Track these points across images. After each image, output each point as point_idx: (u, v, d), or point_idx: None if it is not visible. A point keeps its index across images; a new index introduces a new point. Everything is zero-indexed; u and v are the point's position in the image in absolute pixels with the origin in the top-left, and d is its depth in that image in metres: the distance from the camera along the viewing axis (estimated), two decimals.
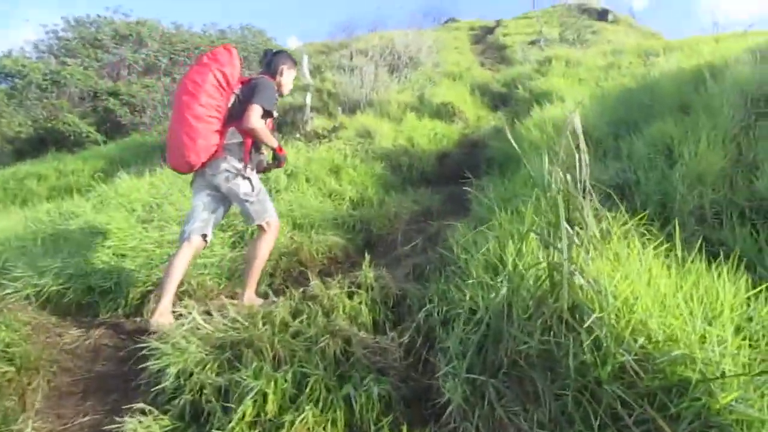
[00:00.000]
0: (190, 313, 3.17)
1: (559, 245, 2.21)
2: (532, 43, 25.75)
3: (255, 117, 3.54)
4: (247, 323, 2.97)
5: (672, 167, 4.87)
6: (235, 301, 3.62)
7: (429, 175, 8.33)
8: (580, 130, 2.78)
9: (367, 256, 3.79)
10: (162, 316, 3.42)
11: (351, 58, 13.43)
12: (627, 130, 6.36)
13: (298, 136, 8.41)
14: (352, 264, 4.69)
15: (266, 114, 3.65)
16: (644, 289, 2.25)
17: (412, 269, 4.16)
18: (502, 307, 2.45)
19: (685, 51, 9.23)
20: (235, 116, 3.63)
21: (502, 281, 2.68)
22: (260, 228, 3.79)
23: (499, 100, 13.10)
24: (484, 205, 4.63)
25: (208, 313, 3.23)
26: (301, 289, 3.50)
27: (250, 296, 3.78)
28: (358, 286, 3.52)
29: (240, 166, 3.69)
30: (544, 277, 2.38)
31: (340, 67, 13.12)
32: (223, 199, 3.83)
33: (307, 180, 6.27)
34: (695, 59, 7.07)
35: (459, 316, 2.68)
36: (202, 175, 3.72)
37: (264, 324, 2.93)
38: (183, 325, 3.03)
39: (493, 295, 2.62)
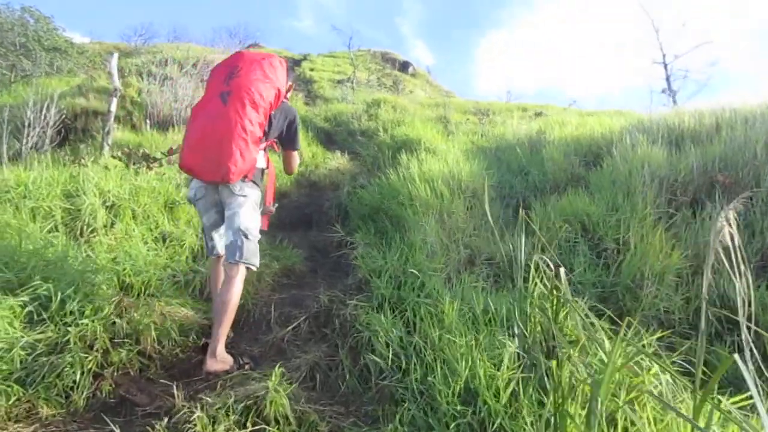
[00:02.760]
0: None
1: None
2: (340, 82, 25.93)
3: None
4: None
5: (596, 252, 4.31)
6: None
7: (270, 217, 7.01)
8: None
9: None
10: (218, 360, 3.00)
11: (165, 65, 11.51)
12: (518, 196, 5.83)
13: (105, 149, 6.56)
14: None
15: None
16: None
17: (311, 375, 3.00)
18: None
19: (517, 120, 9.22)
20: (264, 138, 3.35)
21: None
22: (237, 269, 3.16)
23: (324, 136, 12.19)
24: (381, 283, 3.82)
25: None
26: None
27: (221, 353, 3.07)
28: (261, 417, 2.25)
29: (259, 196, 3.39)
30: None
31: (150, 75, 11.15)
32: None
33: (134, 217, 4.60)
34: (571, 131, 6.83)
35: None
36: (216, 191, 3.30)
37: None
38: None
39: None
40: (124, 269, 3.77)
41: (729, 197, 4.36)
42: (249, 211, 3.26)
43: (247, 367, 3.11)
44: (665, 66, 12.07)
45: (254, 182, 3.32)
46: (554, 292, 2.75)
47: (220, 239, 3.39)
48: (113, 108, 8.28)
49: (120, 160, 5.14)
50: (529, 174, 6.20)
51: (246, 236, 3.21)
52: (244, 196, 3.24)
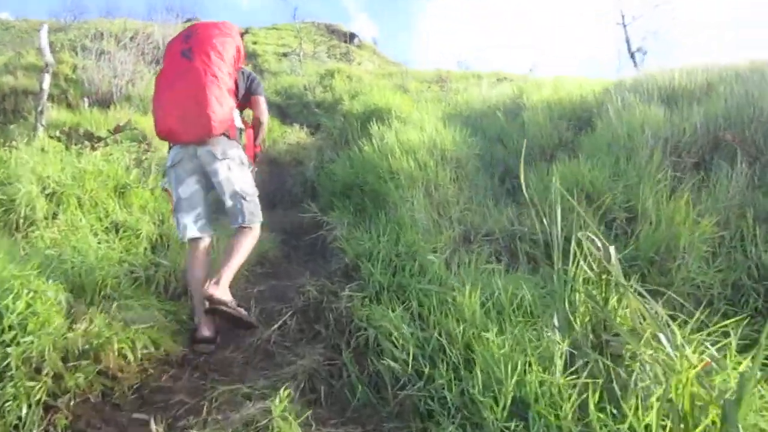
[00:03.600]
0: None
1: None
2: (285, 55, 25.15)
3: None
4: None
5: (604, 223, 3.94)
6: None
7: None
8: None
9: None
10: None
11: (102, 40, 10.57)
12: (502, 165, 5.41)
13: (40, 130, 5.79)
14: (194, 369, 2.77)
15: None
16: None
17: (312, 386, 2.54)
18: None
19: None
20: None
21: None
22: (248, 230, 3.19)
23: (277, 111, 11.50)
24: (373, 269, 3.40)
25: None
26: None
27: (226, 289, 2.98)
28: None
29: (244, 156, 3.29)
30: None
31: (84, 50, 10.19)
32: (209, 187, 3.24)
33: (80, 205, 3.96)
34: (551, 94, 6.43)
35: None
36: (194, 156, 3.12)
37: None
38: None
39: None
40: (73, 267, 3.17)
41: (739, 156, 4.04)
42: (239, 172, 3.18)
43: (244, 313, 3.08)
44: (624, 27, 11.84)
45: (236, 141, 3.22)
46: (602, 275, 2.34)
47: (197, 219, 3.17)
48: (46, 85, 7.41)
49: (59, 140, 4.46)
50: (511, 140, 5.79)
51: (244, 198, 3.17)
52: (229, 158, 3.13)
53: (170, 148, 3.25)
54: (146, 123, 6.82)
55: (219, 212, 3.67)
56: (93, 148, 4.55)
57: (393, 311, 2.80)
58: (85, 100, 9.12)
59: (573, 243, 2.38)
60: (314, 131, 9.40)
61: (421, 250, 3.63)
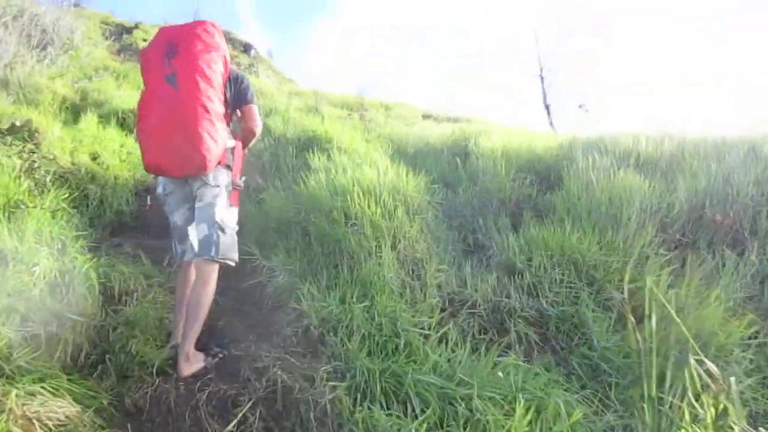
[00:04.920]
0: None
1: None
2: None
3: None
4: None
5: (600, 302, 3.54)
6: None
7: (128, 220, 5.49)
8: None
9: None
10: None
11: None
12: (461, 217, 4.92)
13: None
14: None
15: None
16: None
17: None
18: None
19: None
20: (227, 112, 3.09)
21: None
22: (214, 266, 2.94)
23: None
24: (348, 345, 2.88)
25: None
26: None
27: (193, 353, 2.79)
28: None
29: (234, 180, 3.12)
30: None
31: None
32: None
33: None
34: (503, 143, 6.07)
35: None
36: (185, 184, 3.00)
37: None
38: None
39: None
40: None
41: (727, 239, 3.84)
42: (224, 201, 3.03)
43: (220, 356, 2.95)
44: (542, 79, 12.03)
45: (227, 165, 3.05)
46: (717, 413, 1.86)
47: (195, 240, 2.98)
48: None
49: None
50: (460, 188, 5.34)
51: (222, 230, 2.98)
52: (219, 185, 2.99)
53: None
54: (37, 118, 5.67)
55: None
56: None
57: (394, 415, 2.17)
58: None
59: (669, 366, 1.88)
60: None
61: (403, 321, 3.03)
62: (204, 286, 2.87)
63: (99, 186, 5.34)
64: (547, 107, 11.85)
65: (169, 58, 2.84)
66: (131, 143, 6.90)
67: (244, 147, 3.30)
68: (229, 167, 3.07)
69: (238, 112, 3.22)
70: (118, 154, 6.29)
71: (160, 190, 3.10)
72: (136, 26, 30.00)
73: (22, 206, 3.31)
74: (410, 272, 3.73)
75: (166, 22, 32.19)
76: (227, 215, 3.04)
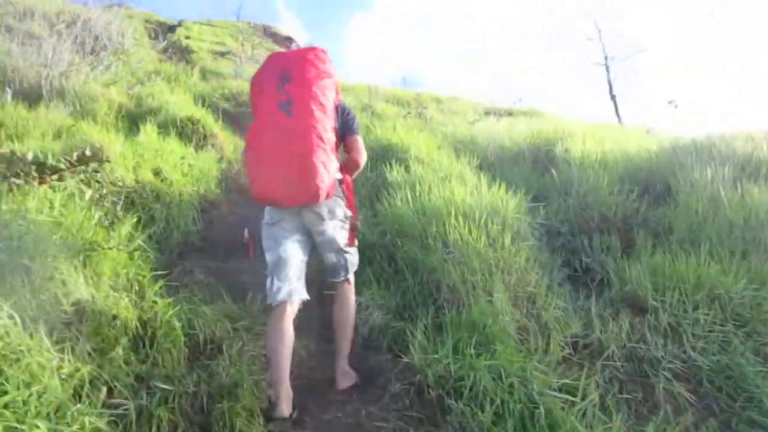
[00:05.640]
0: None
1: None
2: (221, 54, 23.73)
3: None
4: None
5: (755, 350, 3.02)
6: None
7: (195, 240, 5.17)
8: None
9: None
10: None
11: (32, 20, 8.85)
12: (561, 237, 4.42)
13: None
14: None
15: None
16: None
17: None
18: None
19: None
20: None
21: None
22: (348, 284, 3.16)
23: (230, 120, 10.07)
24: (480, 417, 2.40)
25: None
26: None
27: (348, 369, 3.05)
28: None
29: (351, 219, 3.14)
30: None
31: (10, 30, 8.44)
32: (309, 248, 3.06)
33: (29, 279, 2.60)
34: (595, 146, 5.51)
35: None
36: (297, 215, 2.95)
37: None
38: None
39: None
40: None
41: None
42: (342, 231, 3.07)
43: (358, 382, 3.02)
44: (607, 68, 11.34)
45: (337, 196, 3.03)
46: None
47: (297, 281, 2.91)
48: None
49: None
50: (554, 201, 4.84)
51: (347, 252, 3.10)
52: (336, 218, 3.02)
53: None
54: (98, 135, 5.38)
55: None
56: (42, 182, 3.18)
57: None
58: (8, 90, 7.44)
59: None
60: None
61: (537, 382, 2.59)
62: (347, 306, 3.11)
63: (164, 205, 5.04)
64: (613, 98, 11.13)
65: (283, 84, 2.81)
66: (191, 154, 6.60)
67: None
68: (339, 197, 3.04)
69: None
70: (180, 168, 5.98)
71: (267, 219, 3.01)
72: (179, 24, 30.14)
73: (98, 247, 2.96)
74: (525, 311, 3.28)
75: (209, 20, 32.21)
76: (346, 240, 3.09)
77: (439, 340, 3.02)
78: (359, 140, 3.15)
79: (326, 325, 3.49)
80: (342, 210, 3.05)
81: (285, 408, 2.60)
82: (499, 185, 4.21)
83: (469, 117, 10.00)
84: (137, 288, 3.15)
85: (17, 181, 3.11)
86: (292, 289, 2.86)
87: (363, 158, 3.17)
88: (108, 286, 2.98)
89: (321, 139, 2.75)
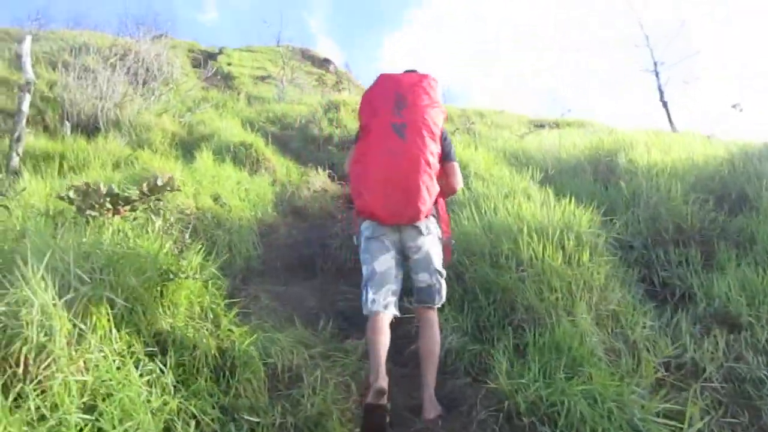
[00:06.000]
0: None
1: None
2: (262, 78, 24.19)
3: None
4: None
5: None
6: None
7: (255, 264, 5.16)
8: None
9: None
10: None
11: (87, 54, 9.11)
12: (634, 249, 4.25)
13: (15, 160, 4.39)
14: None
15: None
16: None
17: None
18: None
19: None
20: None
21: None
22: (436, 312, 3.09)
23: (278, 143, 10.06)
24: None
25: None
26: None
27: (435, 400, 2.88)
28: None
29: (445, 239, 3.22)
30: None
31: (67, 66, 8.69)
32: (403, 267, 3.12)
33: (110, 315, 2.58)
34: (660, 156, 5.33)
35: None
36: (396, 231, 3.04)
37: None
38: None
39: None
40: None
41: None
42: (439, 249, 3.13)
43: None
44: (657, 74, 11.06)
45: (433, 215, 3.15)
46: None
47: (391, 295, 3.00)
48: (25, 107, 6.06)
49: (69, 201, 3.07)
50: (621, 213, 4.66)
51: (442, 275, 3.10)
52: (432, 234, 3.09)
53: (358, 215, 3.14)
54: (159, 163, 5.45)
55: None
56: (116, 213, 3.20)
57: None
58: (67, 123, 7.66)
59: None
60: (332, 173, 8.14)
61: (637, 408, 2.45)
62: (435, 335, 2.99)
63: (226, 231, 5.06)
64: (664, 105, 10.84)
65: (399, 108, 2.95)
66: (246, 179, 6.66)
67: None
68: (434, 216, 3.15)
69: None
70: (237, 193, 6.02)
71: (367, 233, 3.09)
72: (220, 51, 30.89)
73: (174, 277, 2.95)
74: (611, 332, 3.14)
75: (248, 46, 32.79)
76: (440, 262, 3.10)
77: (523, 363, 2.91)
78: (457, 167, 3.26)
79: (398, 348, 3.42)
80: (437, 228, 3.15)
81: (383, 382, 2.64)
82: (570, 199, 4.07)
83: (517, 130, 9.85)
84: (212, 316, 3.13)
85: (92, 213, 3.13)
86: (388, 302, 2.96)
87: (459, 184, 3.30)
88: (186, 316, 2.97)
89: (428, 164, 2.91)
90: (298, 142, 10.49)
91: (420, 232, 3.02)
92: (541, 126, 10.38)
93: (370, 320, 2.96)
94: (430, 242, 3.06)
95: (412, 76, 3.14)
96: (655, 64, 11.01)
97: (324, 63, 32.82)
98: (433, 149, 2.97)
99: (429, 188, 2.93)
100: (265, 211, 6.14)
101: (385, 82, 3.14)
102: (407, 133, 2.92)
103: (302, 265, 5.40)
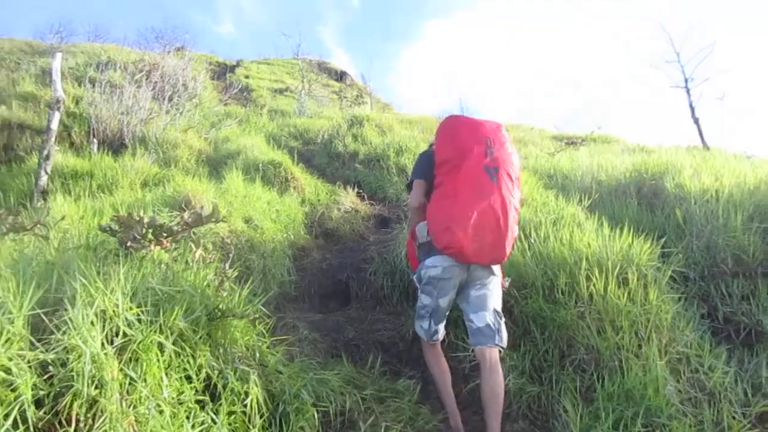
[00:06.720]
0: None
1: None
2: (280, 91, 24.22)
3: None
4: None
5: None
6: None
7: (289, 290, 5.02)
8: None
9: None
10: None
11: (114, 70, 9.05)
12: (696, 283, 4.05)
13: (44, 178, 4.25)
14: None
15: None
16: None
17: None
18: None
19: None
20: None
21: None
22: (497, 352, 2.96)
23: (300, 159, 9.86)
24: None
25: None
26: None
27: None
28: None
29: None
30: None
31: (93, 82, 8.61)
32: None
33: (159, 361, 2.43)
34: (710, 181, 5.12)
35: None
36: (465, 270, 3.03)
37: None
38: None
39: None
40: None
41: None
42: (500, 291, 3.15)
43: None
44: (688, 91, 10.83)
45: None
46: None
47: (443, 327, 3.19)
48: (54, 125, 5.93)
49: (111, 233, 2.93)
50: (671, 243, 4.43)
51: (501, 317, 3.06)
52: (496, 275, 3.12)
53: (427, 249, 3.13)
54: (192, 185, 5.30)
55: None
56: (158, 244, 3.06)
57: None
58: (94, 140, 7.58)
59: None
60: (361, 192, 7.98)
61: None
62: (498, 376, 2.87)
63: (260, 256, 4.90)
64: (696, 121, 10.58)
65: (491, 151, 2.99)
66: (276, 199, 6.50)
67: None
68: None
69: None
70: (269, 215, 5.86)
71: (436, 272, 3.04)
72: (238, 64, 30.98)
73: (221, 316, 2.79)
74: (682, 376, 2.94)
75: (266, 58, 32.82)
76: (500, 303, 3.10)
77: (590, 411, 2.72)
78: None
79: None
80: (499, 271, 3.19)
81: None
82: (630, 229, 3.87)
83: (545, 146, 9.65)
84: (258, 355, 2.97)
85: (134, 245, 2.99)
86: (443, 332, 3.19)
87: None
88: (235, 358, 2.80)
89: (516, 210, 3.04)
90: (322, 158, 10.34)
91: (492, 272, 3.07)
92: (572, 143, 10.15)
93: (432, 348, 3.18)
94: (495, 283, 3.09)
95: (491, 122, 3.19)
96: (686, 80, 10.75)
97: (341, 75, 32.84)
98: (516, 194, 3.07)
99: (513, 231, 3.01)
100: (297, 234, 5.99)
101: (473, 125, 3.15)
102: (499, 175, 2.98)
103: (337, 291, 5.24)
